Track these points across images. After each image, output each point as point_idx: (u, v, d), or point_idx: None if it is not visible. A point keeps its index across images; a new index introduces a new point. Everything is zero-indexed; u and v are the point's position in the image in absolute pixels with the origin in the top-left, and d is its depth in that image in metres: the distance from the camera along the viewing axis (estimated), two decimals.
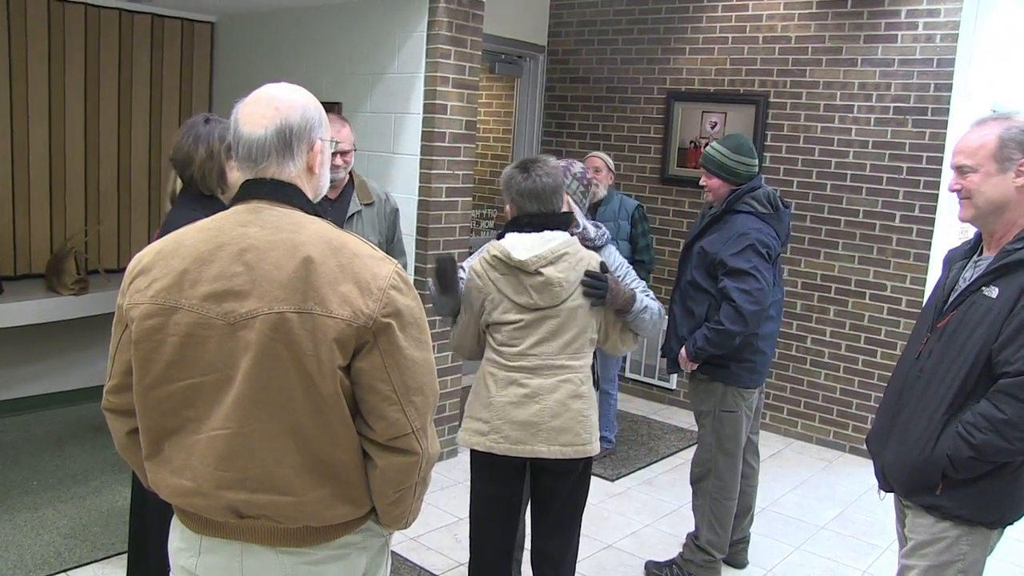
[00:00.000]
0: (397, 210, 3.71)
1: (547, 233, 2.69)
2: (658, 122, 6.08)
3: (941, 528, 2.25)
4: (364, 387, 1.56)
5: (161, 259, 1.61)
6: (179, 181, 2.69)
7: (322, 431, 1.56)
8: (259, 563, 1.63)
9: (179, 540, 1.71)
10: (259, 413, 1.54)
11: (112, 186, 5.30)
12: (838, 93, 5.29)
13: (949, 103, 4.90)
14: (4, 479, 4.13)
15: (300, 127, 1.64)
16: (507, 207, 2.79)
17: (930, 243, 5.02)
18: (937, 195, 4.98)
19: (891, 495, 2.46)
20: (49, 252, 4.93)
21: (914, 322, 5.05)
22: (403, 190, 4.39)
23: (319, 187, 1.73)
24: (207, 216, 2.39)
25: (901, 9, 5.03)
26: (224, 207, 2.42)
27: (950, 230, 5.30)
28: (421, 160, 4.43)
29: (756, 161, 3.46)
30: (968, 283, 2.21)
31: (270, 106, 1.64)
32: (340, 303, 1.52)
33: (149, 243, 2.58)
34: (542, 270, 2.63)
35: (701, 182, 3.52)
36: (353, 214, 3.45)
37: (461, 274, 2.77)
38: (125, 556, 3.48)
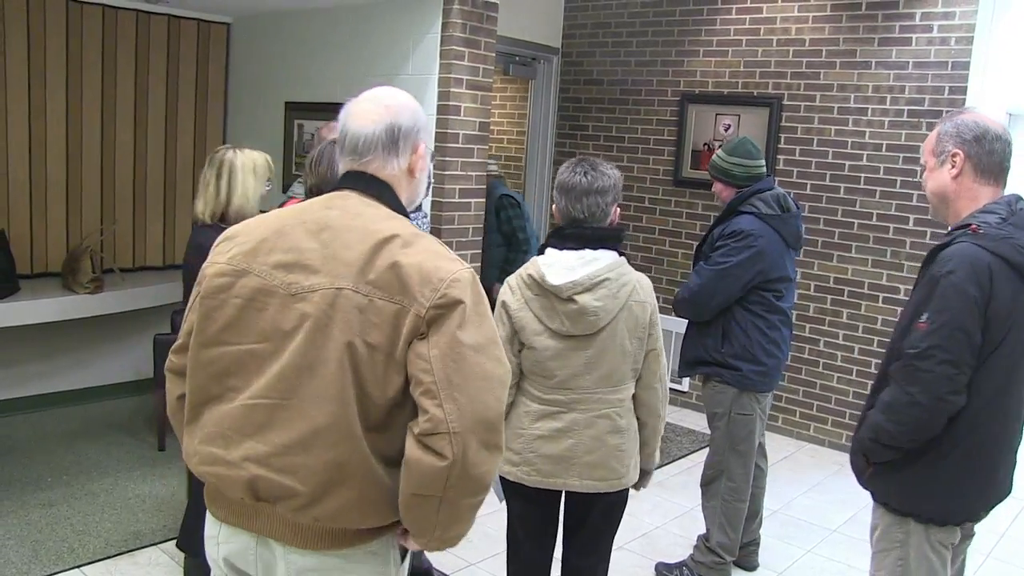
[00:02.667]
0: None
1: (589, 252, 2.45)
2: (671, 124, 6.08)
3: (879, 514, 2.35)
4: (413, 378, 1.52)
5: (246, 230, 1.68)
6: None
7: (355, 424, 1.52)
8: (270, 559, 1.61)
9: (207, 528, 1.73)
10: (300, 389, 1.53)
11: (128, 186, 5.34)
12: (852, 96, 5.28)
13: (963, 106, 4.88)
14: (19, 475, 4.16)
15: (408, 128, 1.70)
16: (554, 210, 2.59)
17: None
18: None
19: None
20: (65, 251, 4.96)
21: None
22: None
23: (416, 193, 1.77)
24: None
25: (916, 12, 5.02)
26: None
27: None
28: (434, 161, 4.44)
29: (756, 162, 3.46)
30: (916, 276, 2.33)
31: (381, 104, 1.71)
32: (400, 288, 1.52)
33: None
34: (576, 297, 2.41)
35: (713, 188, 3.61)
36: None
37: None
38: (136, 552, 3.51)
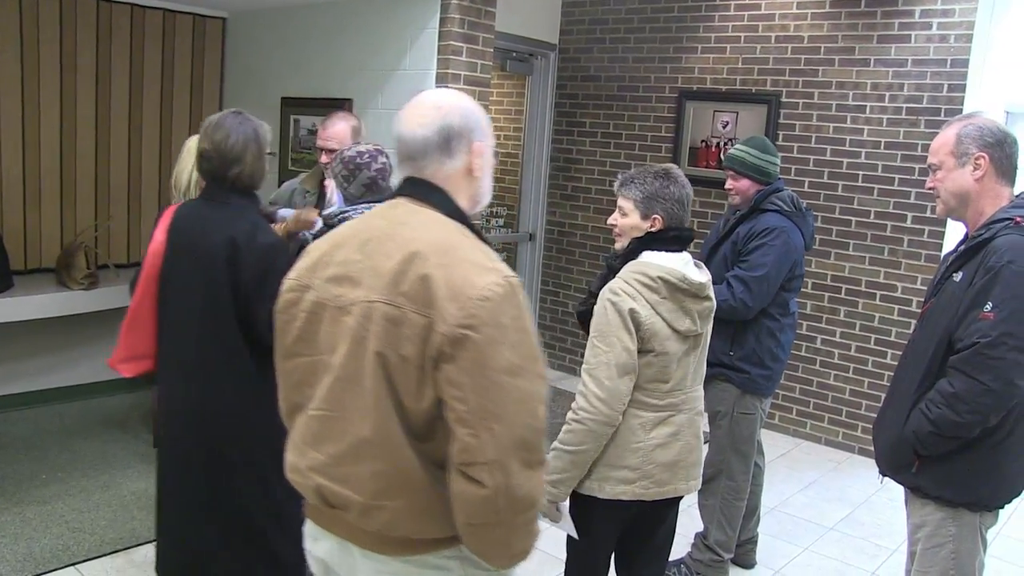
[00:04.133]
0: None
1: (684, 252, 2.47)
2: (669, 121, 6.06)
3: (928, 511, 2.37)
4: (445, 402, 1.48)
5: (318, 244, 1.72)
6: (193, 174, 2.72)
7: (398, 435, 1.52)
8: (350, 561, 1.67)
9: (307, 525, 1.78)
10: (347, 401, 1.56)
11: (123, 181, 5.31)
12: (850, 93, 5.27)
13: (962, 104, 4.87)
14: (13, 472, 4.14)
15: (460, 127, 1.65)
16: (646, 220, 2.47)
17: (941, 244, 4.99)
18: None
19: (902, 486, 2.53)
20: (59, 247, 4.94)
21: None
22: None
23: (480, 193, 1.73)
24: (258, 211, 2.54)
25: (915, 9, 5.00)
26: (259, 200, 2.52)
27: (961, 232, 5.28)
28: None
29: (779, 161, 3.48)
30: (944, 270, 2.40)
31: (432, 106, 1.66)
32: (427, 301, 1.47)
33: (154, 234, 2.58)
34: (711, 294, 2.45)
35: (727, 185, 3.49)
36: None
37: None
38: (132, 550, 3.49)
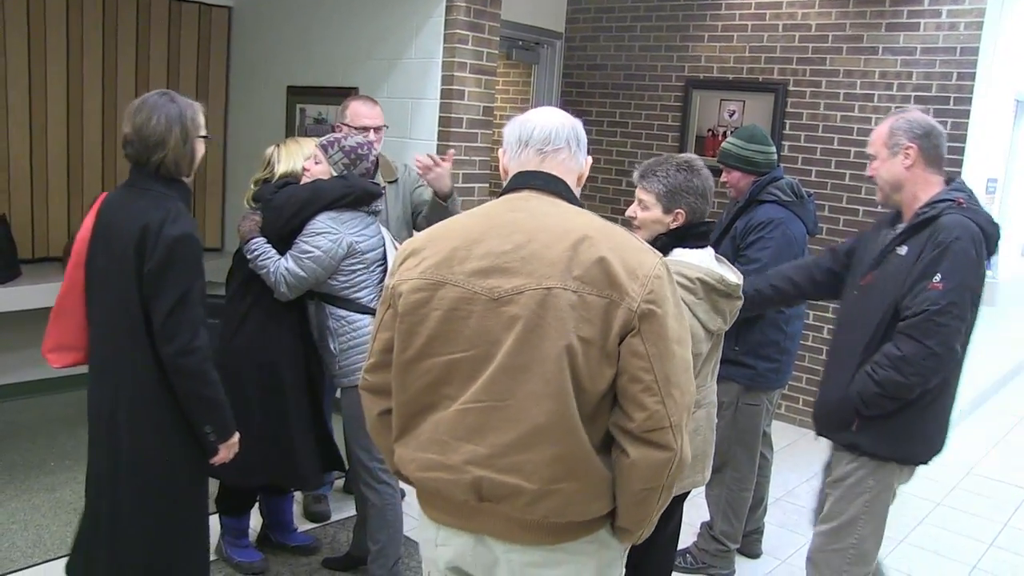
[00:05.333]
0: (418, 178, 3.73)
1: (708, 247, 2.45)
2: (676, 110, 6.05)
3: (855, 466, 2.59)
4: (627, 374, 1.56)
5: (431, 242, 1.70)
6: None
7: (574, 417, 1.56)
8: (489, 558, 1.67)
9: (424, 530, 1.79)
10: (516, 389, 1.56)
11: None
12: (858, 82, 5.24)
13: (972, 92, 4.85)
14: (22, 460, 4.16)
15: (584, 137, 1.80)
16: (668, 214, 2.44)
17: None
18: None
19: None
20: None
21: None
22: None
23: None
24: (183, 200, 2.36)
25: None
26: (188, 189, 2.38)
27: None
28: (438, 146, 4.41)
29: (773, 149, 3.43)
30: (886, 245, 2.59)
31: (562, 112, 1.80)
32: (608, 283, 1.55)
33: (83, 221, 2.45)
34: (741, 294, 2.41)
35: (722, 179, 3.45)
36: None
37: None
38: None
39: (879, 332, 2.50)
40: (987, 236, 2.47)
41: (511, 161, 1.77)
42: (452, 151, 3.59)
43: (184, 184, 2.41)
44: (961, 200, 2.49)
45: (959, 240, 2.40)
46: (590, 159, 1.82)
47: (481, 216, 1.71)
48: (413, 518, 3.81)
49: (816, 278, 2.95)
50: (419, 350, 1.64)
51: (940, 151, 2.58)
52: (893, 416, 2.49)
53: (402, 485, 3.63)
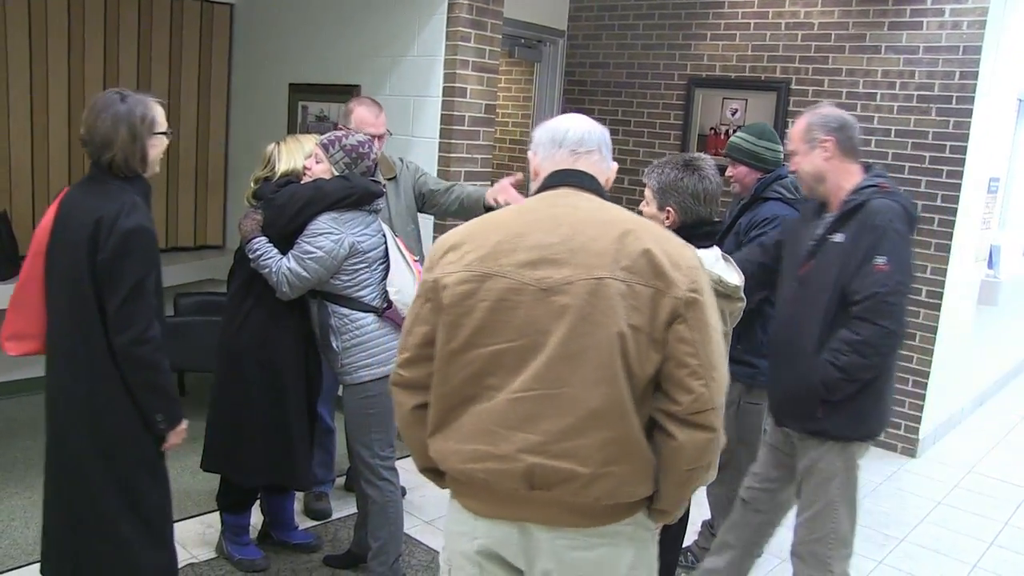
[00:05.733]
0: (418, 168, 3.79)
1: (715, 248, 2.43)
2: (678, 108, 6.04)
3: (822, 451, 2.69)
4: (674, 360, 1.64)
5: (471, 236, 1.73)
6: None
7: (627, 401, 1.63)
8: (534, 546, 1.70)
9: (456, 524, 1.79)
10: (570, 377, 1.61)
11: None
12: (861, 81, 5.23)
13: (975, 91, 4.83)
14: (23, 457, 4.16)
15: (610, 143, 1.89)
16: (661, 211, 2.49)
17: (952, 233, 4.96)
18: (960, 185, 4.92)
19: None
20: None
21: (935, 312, 5.02)
22: None
23: None
24: (141, 195, 2.39)
25: None
26: (147, 184, 2.41)
27: (972, 220, 5.25)
28: (440, 143, 4.41)
29: (781, 147, 3.43)
30: (819, 234, 2.67)
31: (592, 120, 1.87)
32: (654, 273, 1.63)
33: (42, 217, 2.45)
34: (743, 296, 2.39)
35: (727, 173, 3.45)
36: None
37: None
38: None
39: (828, 318, 2.59)
40: (910, 216, 2.64)
41: (544, 161, 1.83)
42: (519, 175, 3.53)
43: (142, 179, 2.44)
44: (884, 185, 2.64)
45: (892, 222, 2.54)
46: (615, 165, 1.89)
47: (522, 211, 1.77)
48: (415, 516, 3.82)
49: (748, 271, 2.92)
50: (464, 341, 1.66)
51: (854, 142, 2.73)
52: (854, 398, 2.60)
53: (403, 483, 3.64)
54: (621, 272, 1.62)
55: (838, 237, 2.62)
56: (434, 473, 1.84)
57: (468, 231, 1.76)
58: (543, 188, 1.80)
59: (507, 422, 1.64)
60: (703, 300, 1.65)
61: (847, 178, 2.69)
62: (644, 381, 1.65)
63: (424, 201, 3.75)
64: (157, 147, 2.45)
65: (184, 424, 2.55)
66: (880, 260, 2.50)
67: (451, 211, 3.76)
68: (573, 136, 1.81)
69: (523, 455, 1.63)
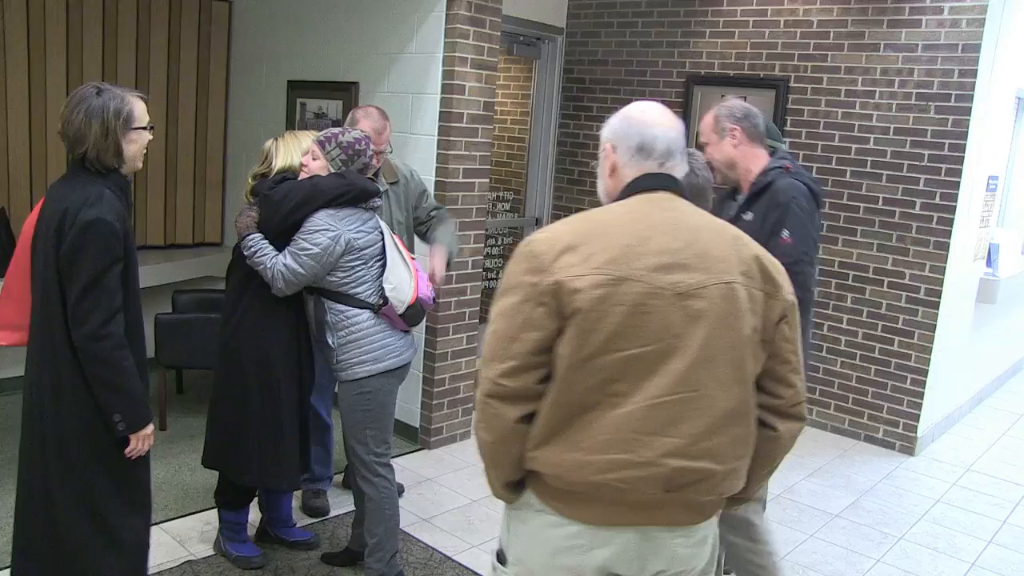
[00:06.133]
0: (425, 190, 3.84)
1: None
2: (677, 106, 6.03)
3: None
4: (779, 357, 1.74)
5: (588, 236, 1.67)
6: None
7: (748, 399, 1.71)
8: (652, 549, 1.70)
9: (560, 539, 1.71)
10: (706, 379, 1.64)
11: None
12: (860, 78, 5.23)
13: (973, 89, 4.83)
14: (11, 456, 4.14)
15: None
16: None
17: (951, 231, 4.96)
18: (959, 183, 4.92)
19: None
20: None
21: (934, 311, 5.01)
22: (420, 170, 4.35)
23: None
24: (117, 189, 2.35)
25: None
26: (125, 179, 2.38)
27: (971, 218, 5.25)
28: (438, 141, 4.41)
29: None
30: (732, 214, 2.92)
31: (669, 114, 1.85)
32: (766, 277, 1.72)
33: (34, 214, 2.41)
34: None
35: None
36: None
37: None
38: None
39: None
40: (814, 192, 2.85)
41: (627, 166, 1.79)
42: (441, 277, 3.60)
43: (118, 174, 2.39)
44: (788, 166, 2.90)
45: (795, 199, 2.78)
46: None
47: (638, 213, 1.72)
48: (412, 513, 3.82)
49: None
50: (597, 347, 1.61)
51: (759, 129, 2.97)
52: None
53: (400, 479, 3.64)
54: (741, 276, 1.68)
55: (748, 216, 2.86)
56: (514, 487, 1.76)
57: (578, 231, 1.68)
58: (640, 189, 1.76)
59: (648, 428, 1.61)
60: (795, 302, 1.77)
61: (755, 162, 2.94)
62: (754, 379, 1.73)
63: (417, 225, 3.83)
64: (136, 142, 2.40)
65: (149, 429, 2.44)
66: (785, 234, 2.74)
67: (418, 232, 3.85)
68: (662, 147, 1.77)
69: (666, 459, 1.62)
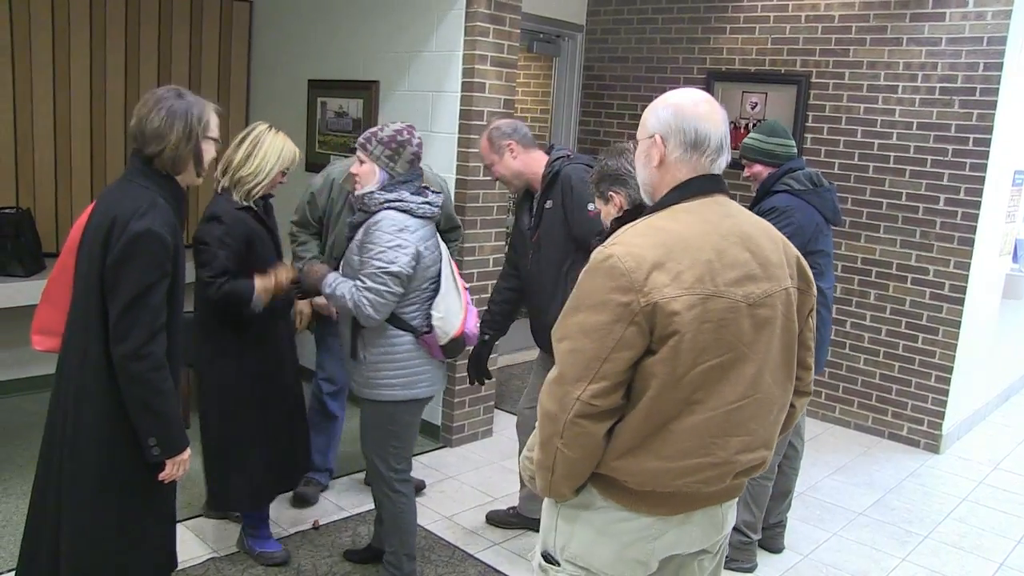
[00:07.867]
0: (449, 198, 3.95)
1: None
2: None
3: None
4: (804, 345, 1.88)
5: (672, 252, 1.65)
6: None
7: (791, 390, 1.86)
8: (712, 523, 1.87)
9: (635, 532, 1.79)
10: (770, 381, 1.76)
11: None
12: (882, 73, 5.18)
13: (999, 83, 4.78)
14: (32, 456, 4.18)
15: None
16: (614, 201, 2.54)
17: (975, 227, 4.91)
18: (983, 177, 4.87)
19: None
20: None
21: (959, 307, 4.96)
22: (440, 169, 4.37)
23: None
24: (171, 198, 2.26)
25: None
26: (181, 189, 2.30)
27: (996, 213, 5.19)
28: (459, 139, 4.41)
29: (792, 143, 3.52)
30: (535, 208, 3.35)
31: (720, 108, 1.83)
32: (804, 279, 1.85)
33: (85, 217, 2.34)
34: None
35: (744, 174, 3.63)
36: None
37: None
38: None
39: (567, 259, 3.20)
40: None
41: (680, 161, 1.77)
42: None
43: (174, 182, 2.29)
44: (567, 155, 3.34)
45: (583, 181, 3.04)
46: None
47: (707, 223, 1.72)
48: (434, 511, 3.82)
49: (520, 266, 3.49)
50: (690, 364, 1.64)
51: (529, 136, 3.40)
52: None
53: (420, 476, 3.64)
54: (789, 280, 1.79)
55: (548, 203, 3.28)
56: (618, 486, 1.79)
57: (658, 244, 1.66)
58: (691, 192, 1.76)
59: (723, 431, 1.71)
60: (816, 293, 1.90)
61: (537, 163, 3.37)
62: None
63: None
64: (208, 151, 2.32)
65: (186, 454, 2.35)
66: (591, 207, 2.91)
67: None
68: (714, 145, 1.77)
69: (738, 456, 1.74)
